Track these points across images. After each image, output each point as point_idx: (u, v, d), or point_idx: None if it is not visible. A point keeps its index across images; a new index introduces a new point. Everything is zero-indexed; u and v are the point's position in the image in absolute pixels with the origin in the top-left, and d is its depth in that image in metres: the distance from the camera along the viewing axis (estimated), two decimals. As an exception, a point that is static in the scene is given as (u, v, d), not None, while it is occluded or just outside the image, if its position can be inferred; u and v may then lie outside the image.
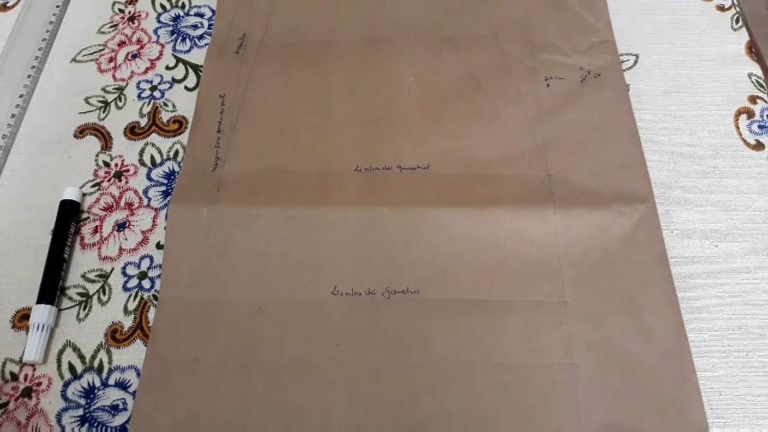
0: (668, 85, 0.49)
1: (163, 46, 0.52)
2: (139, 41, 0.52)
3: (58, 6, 0.54)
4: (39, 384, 0.38)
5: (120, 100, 0.49)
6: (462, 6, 0.52)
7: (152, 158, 0.46)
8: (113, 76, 0.50)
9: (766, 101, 0.48)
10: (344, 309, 0.39)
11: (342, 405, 0.37)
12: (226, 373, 0.38)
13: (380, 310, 0.39)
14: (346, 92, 0.48)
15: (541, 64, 0.49)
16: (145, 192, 0.45)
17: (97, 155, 0.46)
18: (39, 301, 0.40)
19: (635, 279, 0.40)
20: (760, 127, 0.47)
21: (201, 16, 0.54)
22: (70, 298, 0.41)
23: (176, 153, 0.46)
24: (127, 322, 0.40)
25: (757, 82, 0.49)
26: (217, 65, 0.50)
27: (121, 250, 0.43)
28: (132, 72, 0.51)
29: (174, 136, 0.47)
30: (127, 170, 0.46)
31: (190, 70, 0.51)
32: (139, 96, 0.49)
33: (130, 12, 0.54)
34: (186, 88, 0.50)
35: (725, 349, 0.39)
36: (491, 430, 0.36)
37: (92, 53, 0.52)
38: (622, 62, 0.49)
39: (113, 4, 0.55)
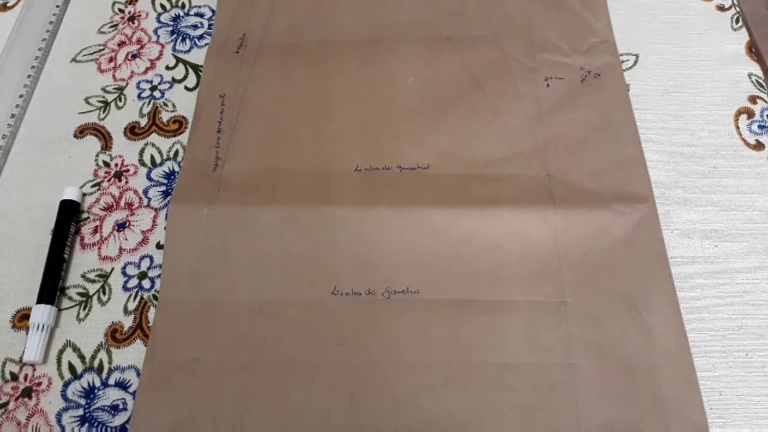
0: (668, 85, 0.49)
1: (163, 46, 0.52)
2: (139, 41, 0.52)
3: (58, 6, 0.54)
4: (39, 384, 0.38)
5: (120, 100, 0.49)
6: (462, 6, 0.52)
7: (152, 158, 0.46)
8: (113, 76, 0.50)
9: (766, 101, 0.48)
10: (344, 309, 0.39)
11: (342, 405, 0.37)
12: (226, 373, 0.38)
13: (380, 310, 0.39)
14: (346, 92, 0.48)
15: (541, 64, 0.49)
16: (145, 192, 0.45)
17: (97, 155, 0.46)
18: (39, 301, 0.40)
19: (635, 279, 0.40)
20: (760, 127, 0.47)
21: (201, 16, 0.54)
22: (70, 298, 0.41)
23: (176, 153, 0.46)
24: (127, 322, 0.40)
25: (757, 82, 0.49)
26: (217, 65, 0.50)
27: (121, 250, 0.43)
28: (132, 72, 0.51)
29: (174, 136, 0.47)
30: (127, 170, 0.46)
31: (190, 70, 0.51)
32: (139, 96, 0.49)
33: (130, 12, 0.54)
34: (186, 88, 0.50)
35: (725, 349, 0.39)
36: (491, 430, 0.36)
37: (92, 53, 0.52)
38: (622, 62, 0.49)
39: (113, 4, 0.55)
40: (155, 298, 0.41)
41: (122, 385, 0.38)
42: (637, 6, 0.53)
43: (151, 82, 0.50)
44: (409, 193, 0.43)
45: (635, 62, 0.50)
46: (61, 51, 0.52)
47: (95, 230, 0.43)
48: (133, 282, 0.41)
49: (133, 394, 0.38)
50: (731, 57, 0.50)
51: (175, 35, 0.53)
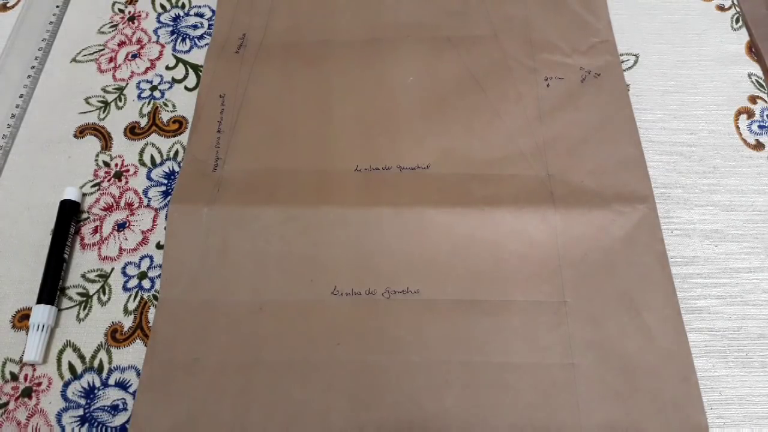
0: (668, 85, 0.49)
1: (163, 46, 0.52)
2: (139, 41, 0.52)
3: (58, 6, 0.54)
4: (39, 384, 0.38)
5: (120, 100, 0.49)
6: (462, 6, 0.52)
7: (152, 158, 0.46)
8: (113, 76, 0.50)
9: (766, 101, 0.48)
10: (344, 309, 0.39)
11: (342, 405, 0.37)
12: (226, 373, 0.38)
13: (380, 310, 0.39)
14: (346, 92, 0.48)
15: (541, 64, 0.49)
16: (145, 192, 0.45)
17: (97, 155, 0.46)
18: (39, 301, 0.40)
19: (635, 279, 0.40)
20: (760, 127, 0.47)
21: (201, 16, 0.54)
22: (70, 298, 0.41)
23: (176, 153, 0.46)
24: (127, 322, 0.40)
25: (757, 82, 0.49)
26: (217, 65, 0.50)
27: (121, 250, 0.43)
28: (132, 72, 0.51)
29: (174, 136, 0.47)
30: (127, 170, 0.46)
31: (190, 70, 0.51)
32: (139, 96, 0.49)
33: (130, 12, 0.54)
34: (186, 88, 0.50)
35: (725, 349, 0.39)
36: (491, 430, 0.36)
37: (92, 53, 0.52)
38: (622, 62, 0.49)
39: (113, 4, 0.55)
40: (155, 298, 0.41)
41: (122, 385, 0.38)
42: (637, 6, 0.53)
43: (151, 82, 0.50)
44: (409, 193, 0.43)
45: (635, 62, 0.50)
46: (61, 51, 0.52)
47: (95, 230, 0.43)
48: (133, 282, 0.41)
49: (133, 394, 0.38)
50: (731, 57, 0.50)
51: (175, 35, 0.53)
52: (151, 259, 0.42)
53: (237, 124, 0.47)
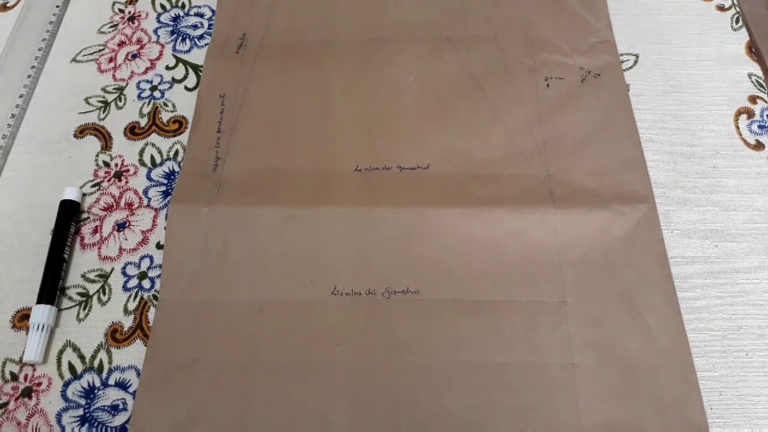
0: (668, 85, 0.49)
1: (163, 46, 0.52)
2: (139, 41, 0.52)
3: (58, 6, 0.54)
4: (39, 384, 0.38)
5: (120, 100, 0.49)
6: (462, 6, 0.52)
7: (152, 158, 0.46)
8: (113, 76, 0.50)
9: (766, 101, 0.48)
10: (344, 309, 0.39)
11: (342, 405, 0.37)
12: (226, 373, 0.38)
13: (380, 310, 0.39)
14: (346, 92, 0.48)
15: (541, 64, 0.49)
16: (145, 192, 0.45)
17: (97, 155, 0.46)
18: (39, 301, 0.40)
19: (635, 279, 0.40)
20: (760, 127, 0.47)
21: (201, 16, 0.54)
22: (70, 298, 0.41)
23: (176, 153, 0.46)
24: (127, 322, 0.40)
25: (757, 82, 0.49)
26: (217, 65, 0.50)
27: (121, 250, 0.43)
28: (132, 72, 0.51)
29: (174, 136, 0.47)
30: (127, 170, 0.46)
31: (190, 70, 0.51)
32: (139, 96, 0.49)
33: (130, 12, 0.54)
34: (186, 88, 0.50)
35: (725, 349, 0.39)
36: (491, 430, 0.36)
37: (92, 53, 0.52)
38: (622, 62, 0.49)
39: (113, 4, 0.55)
40: (155, 298, 0.41)
41: (122, 385, 0.38)
42: (637, 6, 0.53)
43: (151, 82, 0.50)
44: (409, 193, 0.43)
45: (635, 62, 0.50)
46: (61, 51, 0.52)
47: (95, 230, 0.43)
48: (133, 282, 0.41)
49: (133, 394, 0.38)
50: (731, 57, 0.50)
51: (175, 35, 0.53)
52: (151, 259, 0.42)
53: (237, 124, 0.47)
